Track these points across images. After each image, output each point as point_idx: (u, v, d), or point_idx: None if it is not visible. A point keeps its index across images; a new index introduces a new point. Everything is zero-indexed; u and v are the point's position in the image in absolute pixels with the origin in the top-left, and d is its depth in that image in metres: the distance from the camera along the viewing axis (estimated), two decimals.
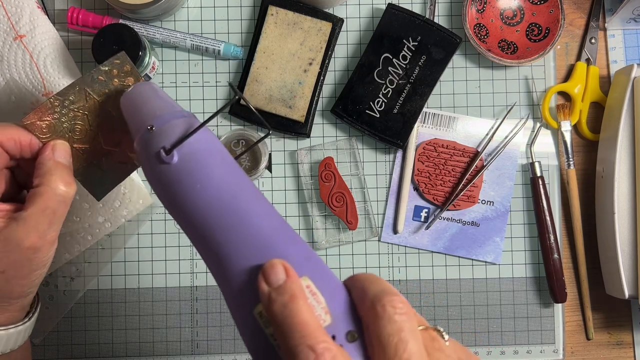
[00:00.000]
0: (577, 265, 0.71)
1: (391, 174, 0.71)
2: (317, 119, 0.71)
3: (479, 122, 0.71)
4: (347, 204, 0.69)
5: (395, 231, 0.71)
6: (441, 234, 0.71)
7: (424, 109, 0.71)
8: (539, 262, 0.71)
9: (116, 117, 0.52)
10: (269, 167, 0.71)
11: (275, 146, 0.71)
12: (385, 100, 0.69)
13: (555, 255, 0.69)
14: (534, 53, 0.69)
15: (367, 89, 0.69)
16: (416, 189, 0.71)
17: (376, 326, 0.32)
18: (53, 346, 0.70)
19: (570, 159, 0.70)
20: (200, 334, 0.70)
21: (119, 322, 0.70)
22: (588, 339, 0.71)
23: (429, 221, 0.70)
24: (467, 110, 0.72)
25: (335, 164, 0.70)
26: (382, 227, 0.71)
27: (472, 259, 0.71)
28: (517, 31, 0.71)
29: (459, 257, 0.71)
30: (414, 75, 0.68)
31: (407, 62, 0.68)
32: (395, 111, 0.68)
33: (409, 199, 0.71)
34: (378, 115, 0.69)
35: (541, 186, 0.69)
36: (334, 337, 0.33)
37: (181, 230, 0.70)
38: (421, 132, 0.71)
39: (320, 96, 0.71)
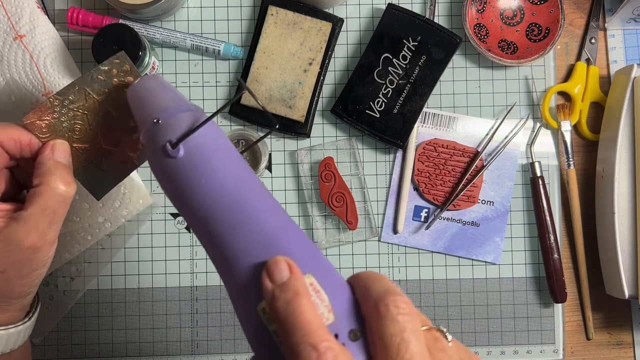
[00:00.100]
0: (577, 265, 0.71)
1: (391, 174, 0.71)
2: (317, 119, 0.71)
3: (479, 122, 0.71)
4: (347, 204, 0.69)
5: (395, 231, 0.71)
6: (441, 234, 0.71)
7: (424, 109, 0.71)
8: (539, 262, 0.71)
9: (116, 117, 0.52)
10: (269, 167, 0.71)
11: (275, 146, 0.71)
12: (385, 100, 0.68)
13: (555, 255, 0.69)
14: (534, 53, 0.69)
15: (367, 89, 0.69)
16: (416, 189, 0.71)
17: (379, 326, 0.32)
18: (53, 346, 0.70)
19: (570, 159, 0.70)
20: (200, 334, 0.70)
21: (119, 322, 0.70)
22: (588, 339, 0.71)
23: (429, 221, 0.70)
24: (467, 110, 0.72)
25: (335, 164, 0.70)
26: (382, 227, 0.71)
27: (472, 259, 0.71)
28: (517, 31, 0.71)
29: (459, 257, 0.71)
30: (414, 75, 0.68)
31: (407, 62, 0.68)
32: (395, 111, 0.68)
33: (409, 199, 0.71)
34: (378, 115, 0.69)
35: (541, 186, 0.69)
36: (336, 336, 0.33)
37: (181, 230, 0.70)
38: (421, 132, 0.71)
39: (320, 96, 0.71)
